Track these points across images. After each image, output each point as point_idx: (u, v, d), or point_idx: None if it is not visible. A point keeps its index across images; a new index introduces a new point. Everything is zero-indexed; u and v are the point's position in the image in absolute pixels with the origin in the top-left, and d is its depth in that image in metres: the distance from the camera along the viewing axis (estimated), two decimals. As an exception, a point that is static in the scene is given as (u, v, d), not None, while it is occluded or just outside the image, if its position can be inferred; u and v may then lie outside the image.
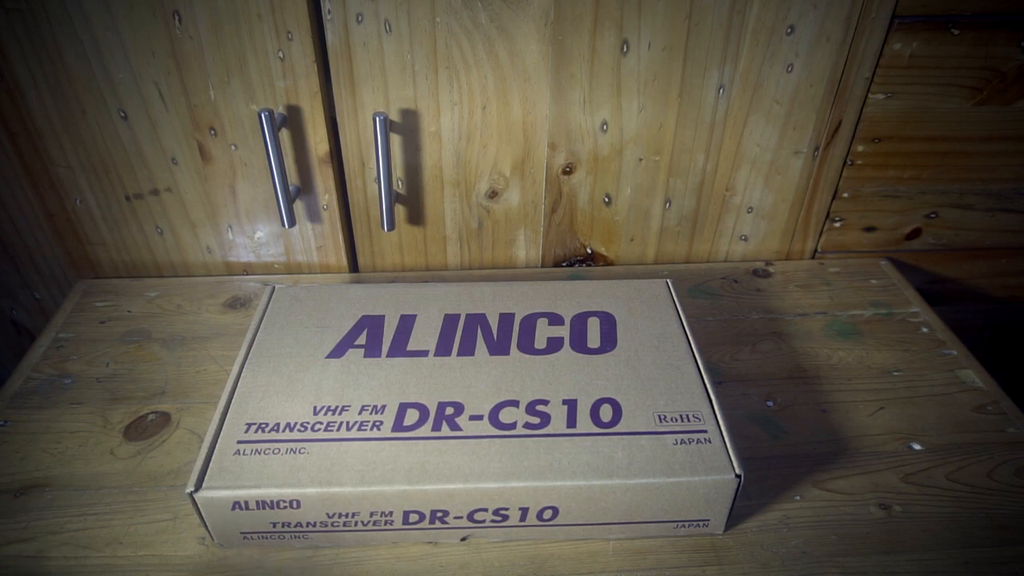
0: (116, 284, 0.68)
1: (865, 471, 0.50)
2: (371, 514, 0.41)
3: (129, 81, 0.56)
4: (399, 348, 0.50)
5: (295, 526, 0.41)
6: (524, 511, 0.42)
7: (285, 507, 0.40)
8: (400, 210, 0.65)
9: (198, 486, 0.40)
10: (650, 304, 0.55)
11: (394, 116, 0.59)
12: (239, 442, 0.43)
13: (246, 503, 0.40)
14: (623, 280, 0.58)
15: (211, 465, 0.41)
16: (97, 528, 0.46)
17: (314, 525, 0.41)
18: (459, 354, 0.50)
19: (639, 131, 0.62)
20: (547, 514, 0.42)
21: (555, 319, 0.53)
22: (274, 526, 0.41)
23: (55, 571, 0.43)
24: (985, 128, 0.64)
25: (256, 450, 0.42)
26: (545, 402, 0.46)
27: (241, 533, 0.42)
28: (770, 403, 0.55)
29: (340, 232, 0.67)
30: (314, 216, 0.65)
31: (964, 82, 0.61)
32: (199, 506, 0.40)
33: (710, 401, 0.46)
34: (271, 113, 0.56)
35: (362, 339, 0.51)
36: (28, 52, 0.55)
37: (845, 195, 0.68)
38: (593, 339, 0.51)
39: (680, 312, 0.54)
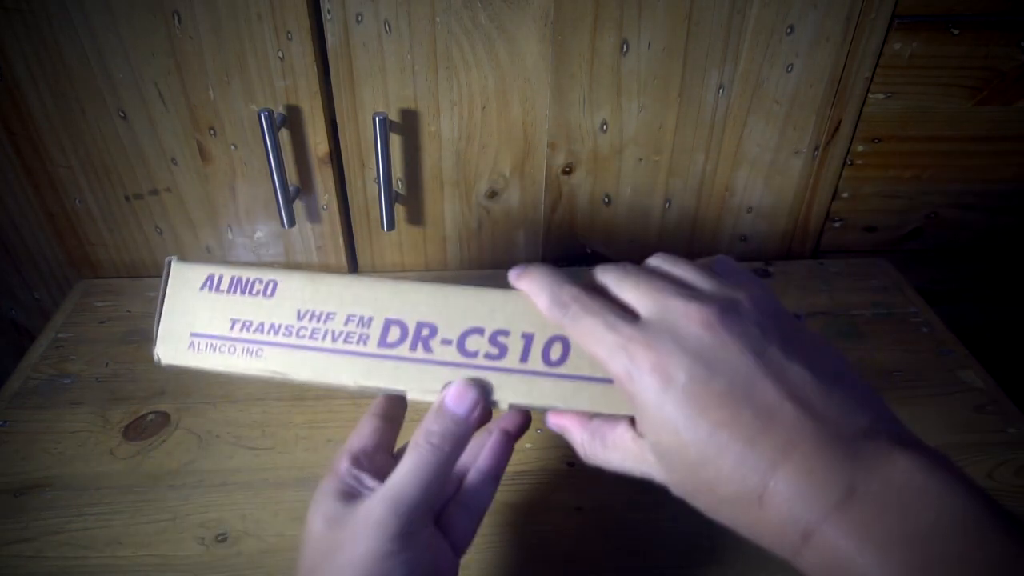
0: (116, 284, 0.68)
1: (865, 471, 0.50)
2: (347, 320, 0.37)
3: (129, 81, 0.56)
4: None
5: (255, 329, 0.38)
6: (528, 340, 0.36)
7: (258, 293, 0.38)
8: (400, 210, 0.65)
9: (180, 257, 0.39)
10: None
11: (394, 116, 0.59)
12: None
13: (219, 280, 0.38)
14: None
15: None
16: (97, 528, 0.46)
17: (277, 331, 0.38)
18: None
19: (639, 131, 0.62)
20: (555, 352, 0.36)
21: None
22: (232, 327, 0.38)
23: (55, 571, 0.43)
24: (985, 128, 0.64)
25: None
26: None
27: (191, 335, 0.38)
28: (770, 403, 0.55)
29: (340, 232, 0.67)
30: (314, 216, 0.65)
31: (964, 82, 0.61)
32: (170, 279, 0.38)
33: None
34: (271, 113, 0.56)
35: None
36: (28, 52, 0.55)
37: (845, 195, 0.68)
38: None
39: None
